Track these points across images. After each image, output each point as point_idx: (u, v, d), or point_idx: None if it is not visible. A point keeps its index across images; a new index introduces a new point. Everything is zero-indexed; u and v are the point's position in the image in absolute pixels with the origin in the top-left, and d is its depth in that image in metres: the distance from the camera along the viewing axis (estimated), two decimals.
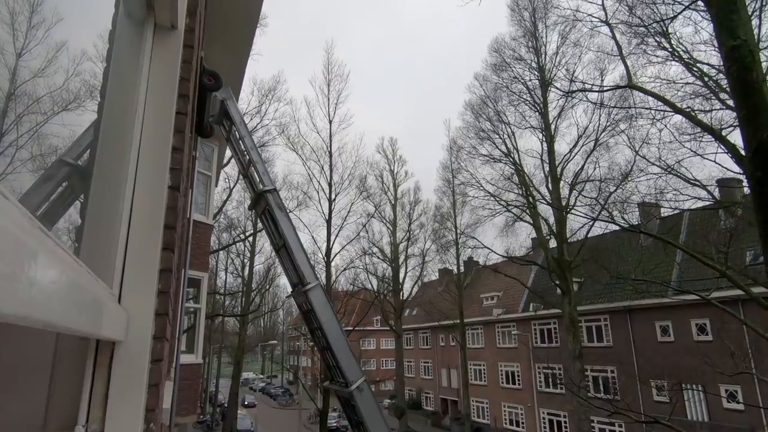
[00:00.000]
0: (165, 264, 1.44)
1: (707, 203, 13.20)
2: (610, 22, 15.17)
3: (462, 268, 33.25)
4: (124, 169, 1.37)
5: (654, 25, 13.24)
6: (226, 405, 33.51)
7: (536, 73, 23.59)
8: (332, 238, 27.47)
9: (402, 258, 34.55)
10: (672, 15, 11.76)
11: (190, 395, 8.97)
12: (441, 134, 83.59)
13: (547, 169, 23.07)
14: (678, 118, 13.43)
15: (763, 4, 10.83)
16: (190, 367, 8.88)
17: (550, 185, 22.81)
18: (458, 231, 31.20)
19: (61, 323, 0.63)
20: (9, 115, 0.87)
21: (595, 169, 21.46)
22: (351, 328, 28.29)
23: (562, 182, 22.67)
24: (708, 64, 12.87)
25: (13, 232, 0.45)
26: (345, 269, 31.19)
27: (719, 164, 11.64)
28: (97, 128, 1.36)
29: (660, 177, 13.63)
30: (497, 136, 25.11)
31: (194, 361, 9.24)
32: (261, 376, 73.79)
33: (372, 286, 33.56)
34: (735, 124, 10.76)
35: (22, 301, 0.46)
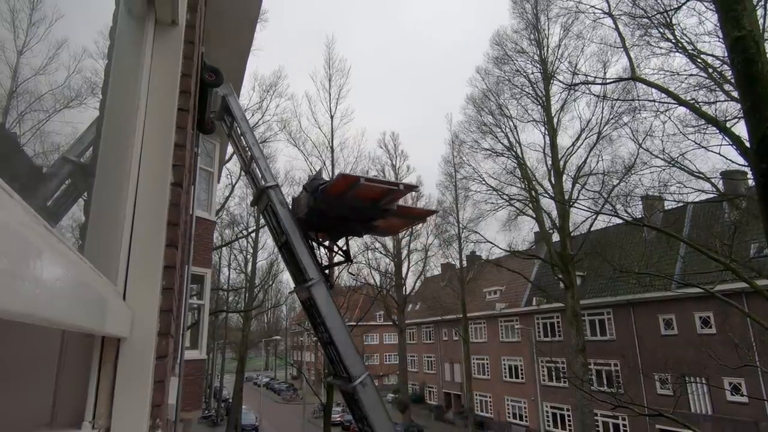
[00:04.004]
0: (169, 261, 1.44)
1: (711, 196, 13.12)
2: (613, 13, 15.08)
3: (464, 263, 33.23)
4: (127, 166, 1.37)
5: (657, 16, 13.13)
6: (230, 400, 33.74)
7: (538, 65, 23.43)
8: None
9: (404, 253, 34.57)
10: (676, 6, 11.65)
11: (194, 391, 9.04)
12: (443, 132, 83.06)
13: (549, 162, 22.98)
14: (682, 110, 13.35)
15: None
16: (194, 363, 8.94)
17: (552, 179, 22.72)
18: (461, 225, 31.15)
19: (66, 320, 0.63)
20: (11, 113, 0.87)
21: (598, 162, 21.36)
22: (354, 324, 28.31)
23: (564, 176, 22.60)
24: (712, 55, 12.77)
25: (18, 230, 0.45)
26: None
27: (723, 156, 11.60)
28: (99, 125, 1.36)
29: (664, 170, 13.60)
30: (499, 130, 25.01)
31: (198, 357, 9.31)
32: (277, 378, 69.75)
33: (375, 281, 33.59)
34: (739, 115, 10.68)
35: (27, 299, 0.46)
